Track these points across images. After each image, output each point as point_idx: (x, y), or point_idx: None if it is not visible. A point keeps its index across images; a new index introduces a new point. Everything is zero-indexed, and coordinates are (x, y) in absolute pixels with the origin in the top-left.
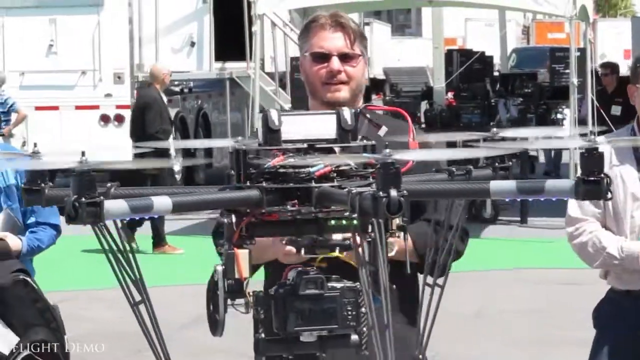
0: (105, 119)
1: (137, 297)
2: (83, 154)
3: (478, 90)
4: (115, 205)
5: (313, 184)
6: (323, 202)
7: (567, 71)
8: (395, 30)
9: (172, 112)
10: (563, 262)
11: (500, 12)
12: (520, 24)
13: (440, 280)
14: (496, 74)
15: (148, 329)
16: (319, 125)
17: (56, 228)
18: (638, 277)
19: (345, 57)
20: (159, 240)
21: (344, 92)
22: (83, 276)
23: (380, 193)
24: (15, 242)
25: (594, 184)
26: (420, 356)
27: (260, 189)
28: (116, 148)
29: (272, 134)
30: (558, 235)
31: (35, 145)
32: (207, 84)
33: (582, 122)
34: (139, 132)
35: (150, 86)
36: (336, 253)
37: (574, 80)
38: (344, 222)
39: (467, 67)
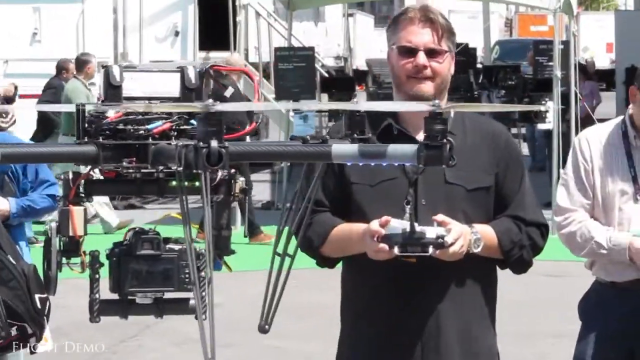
0: None
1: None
2: None
3: (461, 82)
4: None
5: (150, 141)
6: (158, 159)
7: (550, 64)
8: (378, 22)
9: None
10: (548, 254)
11: (484, 4)
12: (503, 17)
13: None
14: (479, 66)
15: None
16: (163, 83)
17: (54, 198)
18: (623, 268)
19: (432, 53)
20: (253, 230)
21: (428, 87)
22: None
23: (200, 144)
24: (1, 202)
25: (435, 149)
26: (267, 327)
27: (97, 144)
28: None
29: (113, 90)
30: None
31: None
32: None
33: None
34: None
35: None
36: (430, 252)
37: (558, 72)
38: (185, 182)
39: None
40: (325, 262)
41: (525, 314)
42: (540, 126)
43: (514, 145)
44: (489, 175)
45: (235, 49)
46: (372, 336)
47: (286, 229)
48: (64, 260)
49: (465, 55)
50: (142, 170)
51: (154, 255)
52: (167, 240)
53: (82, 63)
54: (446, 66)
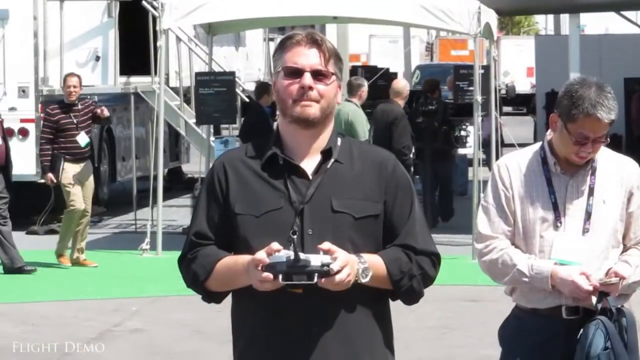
0: (9, 132)
1: None
2: None
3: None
4: None
5: None
6: None
7: (471, 88)
8: None
9: None
10: (467, 279)
11: (404, 28)
12: (424, 41)
13: None
14: None
15: None
16: None
17: None
18: (544, 295)
19: (318, 75)
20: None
21: (314, 109)
22: None
23: None
24: None
25: None
26: None
27: None
28: None
29: None
30: (461, 252)
31: None
32: (111, 98)
33: (484, 140)
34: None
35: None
36: (315, 280)
37: (478, 97)
38: None
39: (371, 83)
40: (212, 297)
41: (443, 339)
42: (461, 151)
43: (403, 172)
44: (377, 203)
45: (155, 73)
46: None
47: None
48: None
49: (386, 79)
50: None
51: None
52: None
53: (355, 87)
54: (332, 90)
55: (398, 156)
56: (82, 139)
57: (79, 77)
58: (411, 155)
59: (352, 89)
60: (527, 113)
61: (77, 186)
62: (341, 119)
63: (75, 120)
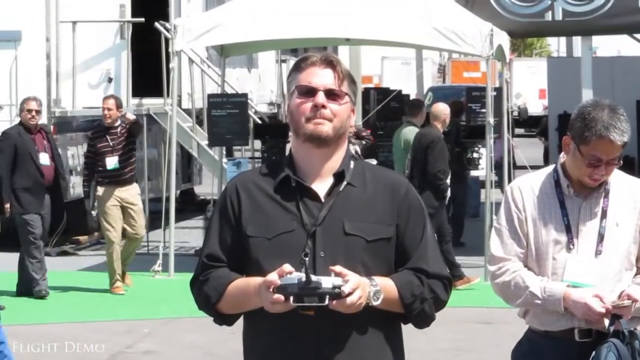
0: None
1: None
2: None
3: (395, 128)
4: None
5: None
6: None
7: (483, 110)
8: None
9: None
10: (479, 301)
11: (417, 50)
12: (436, 63)
13: None
14: None
15: None
16: None
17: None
18: (556, 318)
19: (331, 94)
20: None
21: (326, 127)
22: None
23: None
24: None
25: None
26: None
27: None
28: None
29: None
30: (474, 274)
31: None
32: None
33: (497, 162)
34: (418, 172)
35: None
36: (326, 302)
37: (490, 119)
38: None
39: (383, 105)
40: (223, 319)
41: None
42: (473, 173)
43: (415, 196)
44: (389, 226)
45: (168, 95)
46: None
47: None
48: None
49: (398, 101)
50: None
51: None
52: None
53: (415, 108)
54: (345, 110)
55: (434, 180)
56: (110, 162)
57: (116, 99)
58: (447, 181)
59: (412, 111)
60: (535, 136)
61: (115, 214)
62: (401, 139)
63: (111, 143)
